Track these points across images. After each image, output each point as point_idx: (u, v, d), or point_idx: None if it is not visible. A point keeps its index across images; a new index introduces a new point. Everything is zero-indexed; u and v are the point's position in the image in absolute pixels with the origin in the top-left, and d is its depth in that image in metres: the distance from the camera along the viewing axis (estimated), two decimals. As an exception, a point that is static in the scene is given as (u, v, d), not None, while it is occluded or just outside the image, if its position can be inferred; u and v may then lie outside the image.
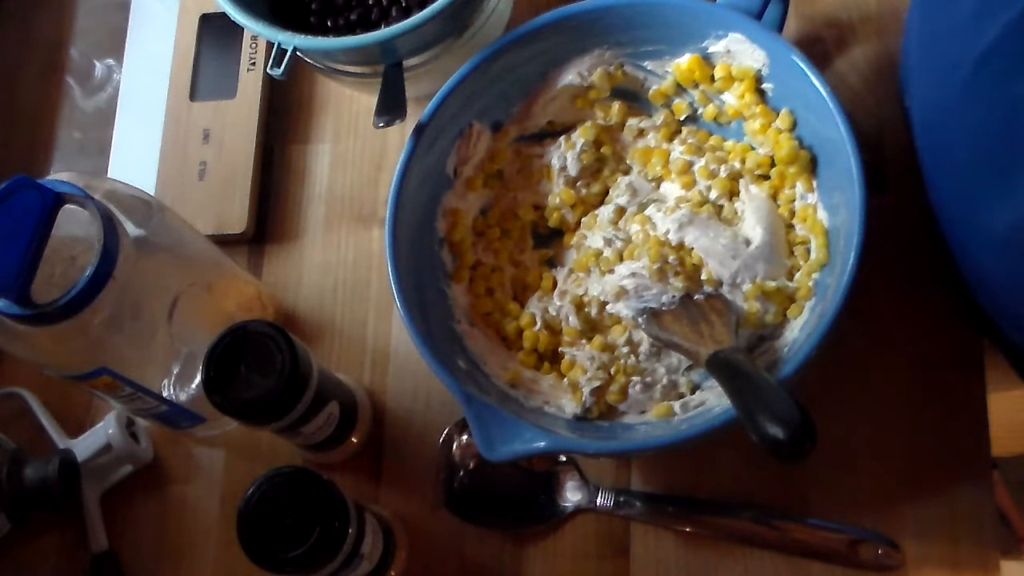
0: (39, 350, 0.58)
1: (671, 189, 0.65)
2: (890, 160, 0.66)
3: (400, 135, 0.73)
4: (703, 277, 0.61)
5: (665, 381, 0.60)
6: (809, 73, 0.58)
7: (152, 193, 0.70)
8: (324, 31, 0.67)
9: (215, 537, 0.67)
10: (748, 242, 0.61)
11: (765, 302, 0.59)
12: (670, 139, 0.66)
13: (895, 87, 0.66)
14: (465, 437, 0.65)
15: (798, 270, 0.61)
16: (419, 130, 0.63)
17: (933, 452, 0.61)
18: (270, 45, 0.64)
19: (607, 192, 0.67)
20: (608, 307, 0.62)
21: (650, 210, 0.64)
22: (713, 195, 0.63)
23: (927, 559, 0.59)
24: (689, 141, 0.65)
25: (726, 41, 0.62)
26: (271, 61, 0.63)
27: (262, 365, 0.57)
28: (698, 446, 0.59)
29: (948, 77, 0.51)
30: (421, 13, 0.62)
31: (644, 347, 0.61)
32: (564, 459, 0.64)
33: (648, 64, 0.65)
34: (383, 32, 0.62)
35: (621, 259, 0.63)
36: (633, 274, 0.61)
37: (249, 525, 0.55)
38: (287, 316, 0.71)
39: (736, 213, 0.63)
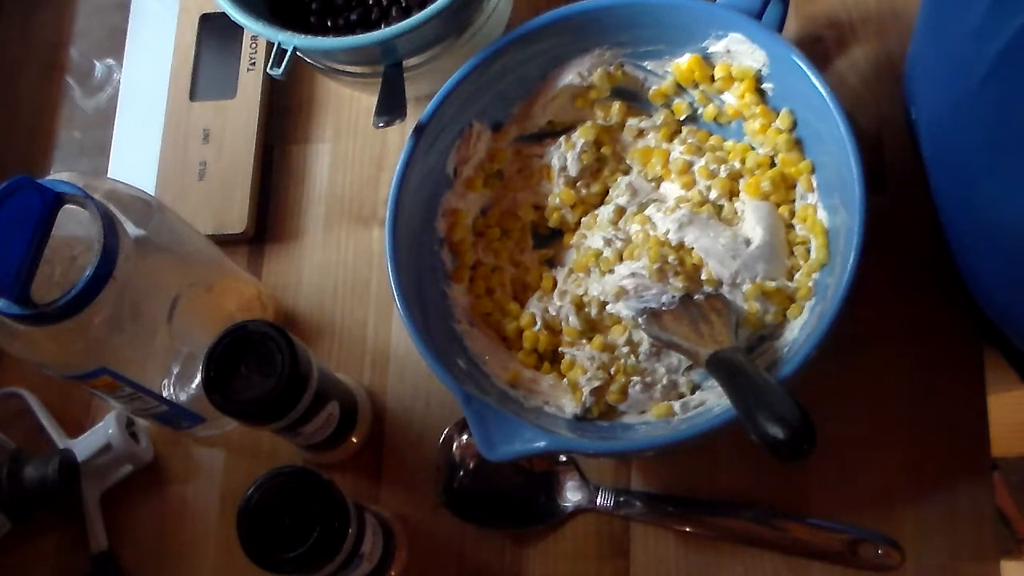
0: (39, 350, 0.58)
1: (671, 189, 0.65)
2: (890, 160, 0.66)
3: (400, 135, 0.73)
4: (703, 277, 0.61)
5: (665, 381, 0.60)
6: (809, 73, 0.58)
7: (152, 193, 0.70)
8: (324, 31, 0.67)
9: (215, 537, 0.67)
10: (748, 242, 0.61)
11: (765, 302, 0.59)
12: (670, 139, 0.66)
13: (895, 87, 0.66)
14: (465, 437, 0.65)
15: (798, 270, 0.61)
16: (419, 130, 0.63)
17: (933, 452, 0.61)
18: (270, 45, 0.64)
19: (607, 192, 0.67)
20: (608, 307, 0.62)
21: (650, 210, 0.64)
22: (713, 195, 0.63)
23: (927, 559, 0.59)
24: (689, 141, 0.65)
25: (726, 41, 0.62)
26: (271, 61, 0.63)
27: (262, 365, 0.57)
28: (698, 446, 0.59)
29: (959, 84, 0.51)
30: (421, 13, 0.62)
31: (644, 347, 0.61)
32: (564, 459, 0.64)
33: (648, 64, 0.66)
34: (383, 32, 0.62)
35: (621, 259, 0.63)
36: (633, 274, 0.61)
37: (249, 525, 0.55)
38: (287, 316, 0.71)
39: (736, 213, 0.63)
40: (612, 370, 0.61)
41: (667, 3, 0.63)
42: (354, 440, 0.67)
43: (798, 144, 0.62)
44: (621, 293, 0.61)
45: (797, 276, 0.61)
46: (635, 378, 0.60)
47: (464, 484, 0.65)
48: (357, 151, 0.75)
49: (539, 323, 0.63)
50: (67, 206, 0.55)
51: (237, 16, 0.64)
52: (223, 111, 0.75)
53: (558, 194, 0.66)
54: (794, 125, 0.62)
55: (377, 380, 0.69)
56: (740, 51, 0.62)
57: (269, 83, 0.76)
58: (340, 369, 0.69)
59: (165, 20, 0.79)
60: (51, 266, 0.55)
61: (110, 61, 0.81)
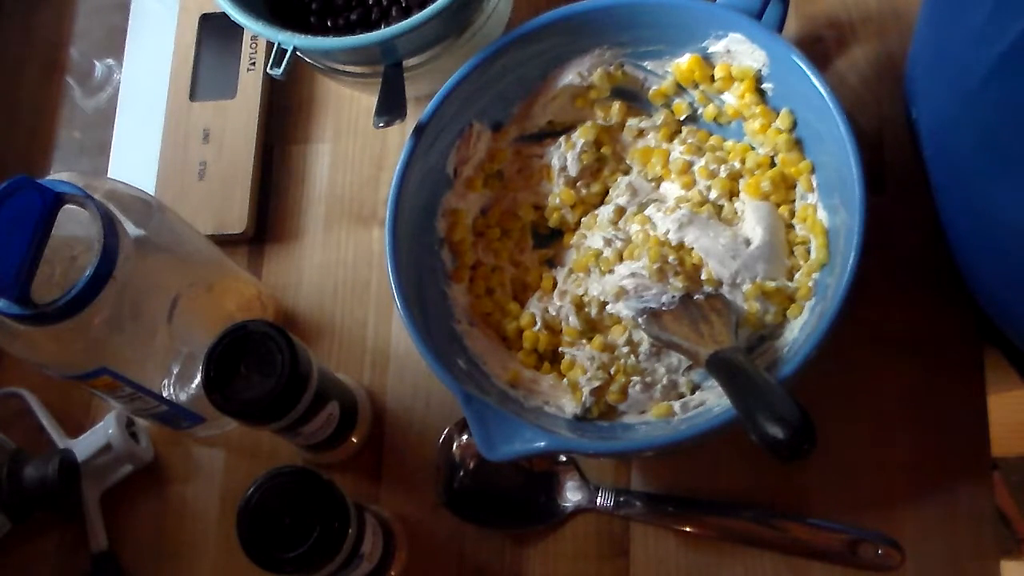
0: (39, 350, 0.58)
1: (671, 189, 0.65)
2: (890, 160, 0.66)
3: (400, 135, 0.73)
4: (703, 277, 0.61)
5: (665, 381, 0.60)
6: (809, 73, 0.58)
7: (152, 193, 0.70)
8: (324, 31, 0.67)
9: (215, 537, 0.67)
10: (748, 242, 0.61)
11: (765, 302, 0.59)
12: (670, 139, 0.66)
13: (895, 87, 0.66)
14: (465, 437, 0.65)
15: (798, 270, 0.61)
16: (419, 130, 0.63)
17: (933, 452, 0.61)
18: (270, 45, 0.64)
19: (607, 192, 0.67)
20: (608, 307, 0.62)
21: (650, 210, 0.64)
22: (713, 195, 0.63)
23: (927, 559, 0.59)
24: (689, 141, 0.65)
25: (726, 41, 0.62)
26: (271, 61, 0.63)
27: (262, 365, 0.57)
28: (698, 446, 0.59)
29: (960, 85, 0.51)
30: (421, 13, 0.62)
31: (644, 347, 0.61)
32: (564, 459, 0.64)
33: (648, 64, 0.66)
34: (383, 32, 0.62)
35: (621, 259, 0.63)
36: (633, 274, 0.61)
37: (249, 525, 0.55)
38: (287, 316, 0.71)
39: (736, 213, 0.63)
40: (612, 370, 0.61)
41: (667, 3, 0.63)
42: (354, 440, 0.67)
43: (798, 144, 0.62)
44: (621, 293, 0.61)
45: (797, 276, 0.61)
46: (635, 378, 0.60)
47: (464, 484, 0.65)
48: (357, 151, 0.75)
49: (539, 323, 0.63)
50: (67, 206, 0.55)
51: (237, 16, 0.64)
52: (223, 111, 0.75)
53: (558, 194, 0.66)
54: (794, 125, 0.62)
55: (377, 380, 0.69)
56: (740, 51, 0.62)
57: (269, 83, 0.76)
58: (340, 369, 0.69)
59: (165, 20, 0.79)
60: (51, 266, 0.55)
61: (110, 61, 0.81)
